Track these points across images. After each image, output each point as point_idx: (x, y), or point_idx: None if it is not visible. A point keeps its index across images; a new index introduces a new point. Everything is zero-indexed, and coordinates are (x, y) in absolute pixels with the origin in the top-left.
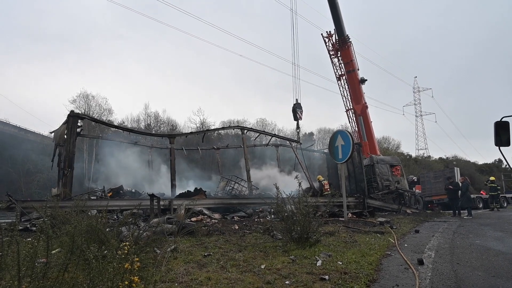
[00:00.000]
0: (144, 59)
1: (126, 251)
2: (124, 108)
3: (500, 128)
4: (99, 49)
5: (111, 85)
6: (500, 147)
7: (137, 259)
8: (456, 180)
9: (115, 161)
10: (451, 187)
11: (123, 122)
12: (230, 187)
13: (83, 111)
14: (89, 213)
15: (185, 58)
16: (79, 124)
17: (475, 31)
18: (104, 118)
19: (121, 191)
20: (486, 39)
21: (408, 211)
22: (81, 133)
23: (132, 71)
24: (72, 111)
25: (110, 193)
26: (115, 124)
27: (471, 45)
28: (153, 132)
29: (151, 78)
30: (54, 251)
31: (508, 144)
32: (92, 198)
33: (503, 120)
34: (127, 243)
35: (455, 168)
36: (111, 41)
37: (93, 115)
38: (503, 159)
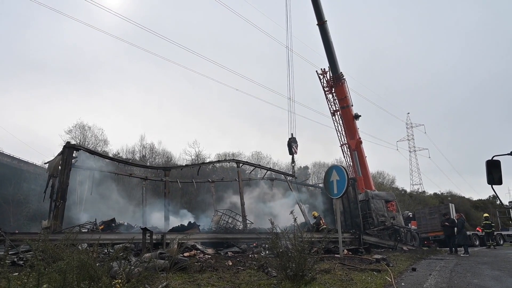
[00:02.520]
0: (141, 91)
1: None
2: (119, 139)
3: (492, 166)
4: (97, 80)
5: (108, 116)
6: (493, 185)
7: None
8: (452, 217)
9: (108, 193)
10: (447, 223)
11: (118, 153)
12: (224, 221)
13: (78, 141)
14: (80, 247)
15: (182, 91)
16: (74, 155)
17: (468, 70)
18: (99, 149)
19: (113, 224)
20: (479, 78)
21: (405, 248)
22: (76, 164)
23: (129, 102)
24: (68, 142)
25: (102, 226)
26: (110, 155)
27: (465, 83)
28: (148, 163)
29: (147, 110)
30: None
31: (500, 183)
32: (83, 231)
33: (494, 158)
34: (119, 280)
35: (450, 204)
36: (109, 73)
37: (88, 146)
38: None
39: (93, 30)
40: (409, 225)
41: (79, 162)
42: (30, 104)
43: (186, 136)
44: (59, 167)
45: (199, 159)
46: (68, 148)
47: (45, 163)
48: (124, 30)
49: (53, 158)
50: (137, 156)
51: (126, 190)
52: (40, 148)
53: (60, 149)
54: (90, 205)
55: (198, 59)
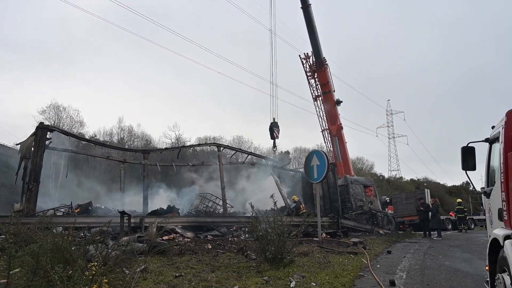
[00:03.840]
0: (120, 72)
1: (94, 272)
2: (96, 121)
3: (467, 153)
4: (73, 61)
5: (84, 98)
6: (467, 171)
7: (106, 280)
8: (427, 202)
9: (85, 176)
10: (422, 208)
11: (95, 136)
12: (204, 205)
13: (53, 122)
14: (55, 230)
15: (162, 73)
16: (48, 136)
17: (450, 61)
18: (75, 131)
19: (89, 208)
20: (460, 70)
21: (381, 231)
22: (50, 146)
23: (107, 84)
24: (41, 123)
25: (78, 209)
26: (87, 137)
27: (446, 74)
28: (126, 146)
29: (126, 92)
30: (13, 271)
31: (474, 169)
32: (58, 214)
33: (469, 145)
34: (95, 263)
35: (426, 189)
36: (86, 53)
37: (64, 127)
38: (470, 183)
39: (69, 7)
40: (386, 209)
41: (54, 144)
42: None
43: (166, 119)
44: (32, 148)
45: (179, 143)
46: (42, 129)
47: (17, 144)
48: (102, 8)
49: (25, 139)
50: (115, 139)
51: (103, 174)
52: (11, 129)
53: (33, 130)
54: (65, 188)
55: (179, 40)
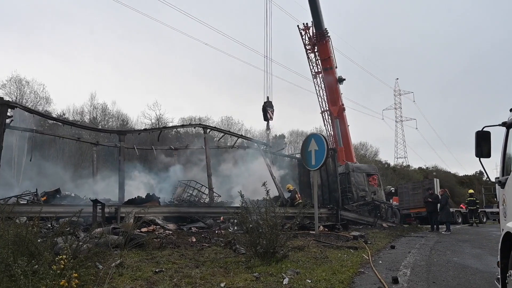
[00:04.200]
0: (92, 42)
1: (62, 266)
2: (65, 98)
3: (481, 138)
4: (37, 28)
5: (51, 71)
6: (481, 159)
7: (76, 275)
8: (436, 193)
9: (52, 159)
10: (430, 199)
11: (64, 114)
12: (188, 194)
13: (14, 98)
14: (18, 221)
15: (141, 43)
16: (8, 114)
17: (467, 36)
18: (40, 108)
19: (58, 195)
20: (478, 46)
21: (384, 224)
22: (11, 125)
23: (77, 56)
24: (1, 98)
25: (45, 197)
26: (54, 116)
27: (462, 50)
28: (100, 126)
29: (99, 65)
30: None
31: (489, 156)
32: (22, 202)
33: (484, 129)
34: (64, 256)
35: (435, 179)
36: (53, 20)
37: (27, 104)
38: (483, 171)
39: None
40: (391, 200)
41: (15, 123)
42: None
43: (145, 96)
44: None
45: (160, 123)
46: (1, 105)
47: None
48: None
49: None
50: (86, 118)
51: (73, 157)
52: None
53: None
54: (29, 174)
55: (159, 5)
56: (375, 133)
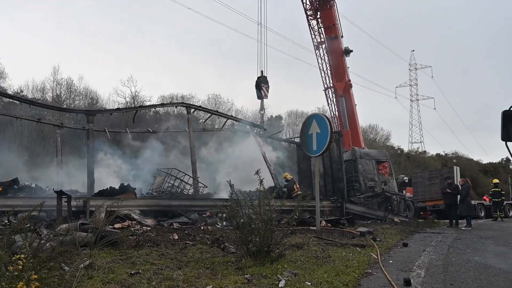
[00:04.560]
0: (54, 6)
1: (20, 267)
2: (22, 72)
3: (508, 119)
4: None
5: (4, 40)
6: (507, 143)
7: (36, 277)
8: (456, 183)
9: (8, 144)
10: (449, 190)
11: (21, 91)
12: (169, 184)
13: None
14: None
15: (112, 8)
16: None
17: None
18: None
19: (15, 186)
20: (505, 13)
21: (396, 219)
22: None
23: (36, 22)
24: None
25: (0, 188)
26: (10, 93)
27: (486, 20)
28: (65, 106)
29: (63, 34)
30: None
31: None
32: None
33: None
34: (22, 256)
35: (455, 167)
36: None
37: None
38: (510, 158)
39: None
40: (404, 192)
41: None
42: None
43: (119, 71)
44: None
45: (136, 102)
46: None
47: None
48: None
49: None
50: (48, 96)
51: (33, 142)
52: None
53: None
54: None
55: None
56: (387, 114)
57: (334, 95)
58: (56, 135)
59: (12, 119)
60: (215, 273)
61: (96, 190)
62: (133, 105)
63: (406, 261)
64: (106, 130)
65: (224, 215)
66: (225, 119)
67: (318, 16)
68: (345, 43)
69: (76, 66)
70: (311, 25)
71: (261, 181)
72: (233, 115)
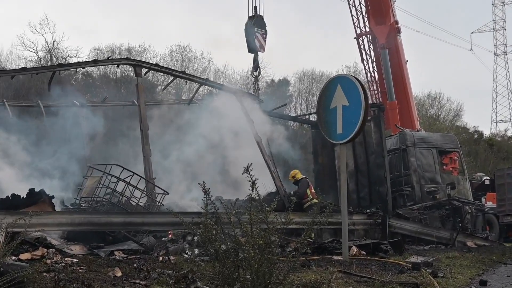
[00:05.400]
0: None
1: None
2: None
3: None
4: None
5: None
6: None
7: None
8: None
9: None
10: None
11: None
12: (108, 190)
13: None
14: None
15: None
16: None
17: None
18: None
19: None
20: None
21: (470, 243)
22: None
23: None
24: None
25: None
26: None
27: None
28: None
29: None
30: None
31: None
32: None
33: None
34: None
35: None
36: None
37: None
38: None
39: None
40: (483, 200)
41: None
42: None
43: (26, 10)
44: None
45: (53, 59)
46: None
47: None
48: None
49: None
50: None
51: None
52: None
53: None
54: None
55: None
56: (457, 77)
57: (372, 46)
58: None
59: None
60: None
61: None
62: (49, 63)
63: None
64: (6, 103)
65: (196, 238)
66: (197, 85)
67: None
68: None
69: None
70: None
71: (254, 183)
72: (210, 79)
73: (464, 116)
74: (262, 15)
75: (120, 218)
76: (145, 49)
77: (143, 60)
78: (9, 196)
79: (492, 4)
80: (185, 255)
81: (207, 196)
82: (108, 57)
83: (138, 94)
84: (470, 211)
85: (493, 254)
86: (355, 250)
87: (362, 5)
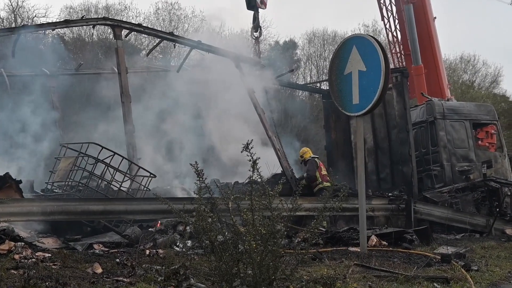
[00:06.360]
0: None
1: None
2: None
3: None
4: None
5: None
6: None
7: None
8: None
9: None
10: None
11: None
12: (85, 173)
13: None
14: None
15: None
16: None
17: None
18: None
19: None
20: None
21: (509, 231)
22: None
23: None
24: None
25: None
26: None
27: None
28: None
29: None
30: None
31: None
32: None
33: None
34: None
35: None
36: None
37: None
38: None
39: None
40: None
41: None
42: None
43: None
44: None
45: (18, 19)
46: None
47: None
48: None
49: None
50: None
51: None
52: None
53: None
54: None
55: None
56: (495, 36)
57: (394, 1)
58: None
59: None
60: None
61: None
62: (13, 25)
63: None
64: None
65: (188, 228)
66: (188, 49)
67: None
68: None
69: None
70: None
71: (255, 162)
72: (202, 42)
73: (503, 82)
74: None
75: (99, 205)
76: (126, 7)
77: (124, 19)
78: None
79: None
80: (176, 248)
81: (201, 179)
82: (82, 17)
83: (118, 60)
84: (509, 193)
85: None
86: (375, 240)
87: None
